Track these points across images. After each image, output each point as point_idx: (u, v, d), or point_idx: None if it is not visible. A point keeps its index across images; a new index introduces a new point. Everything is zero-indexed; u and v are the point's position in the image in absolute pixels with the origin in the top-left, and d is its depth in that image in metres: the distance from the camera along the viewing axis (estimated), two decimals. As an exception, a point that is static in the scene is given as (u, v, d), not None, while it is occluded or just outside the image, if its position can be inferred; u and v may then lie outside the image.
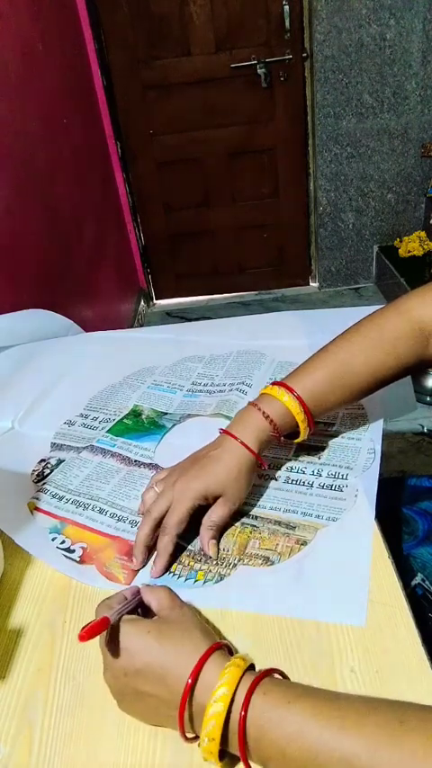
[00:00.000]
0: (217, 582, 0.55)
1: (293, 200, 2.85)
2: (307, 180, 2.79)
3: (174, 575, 0.56)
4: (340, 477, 0.64)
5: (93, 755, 0.44)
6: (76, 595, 0.56)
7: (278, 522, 0.60)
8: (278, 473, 0.66)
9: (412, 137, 2.59)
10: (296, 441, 0.65)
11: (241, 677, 0.41)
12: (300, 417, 0.62)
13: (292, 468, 0.67)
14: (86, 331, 1.11)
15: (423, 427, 1.94)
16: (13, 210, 1.43)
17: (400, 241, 2.72)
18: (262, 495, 0.64)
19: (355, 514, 0.59)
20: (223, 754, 0.41)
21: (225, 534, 0.60)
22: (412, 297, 0.65)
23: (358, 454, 0.67)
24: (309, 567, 0.55)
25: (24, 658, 0.51)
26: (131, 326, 2.69)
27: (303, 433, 0.64)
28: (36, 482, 0.70)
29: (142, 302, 2.98)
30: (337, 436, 0.70)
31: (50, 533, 0.62)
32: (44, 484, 0.69)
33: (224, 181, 2.80)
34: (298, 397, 0.61)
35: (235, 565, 0.56)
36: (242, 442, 0.60)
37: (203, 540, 0.58)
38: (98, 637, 0.45)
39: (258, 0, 2.38)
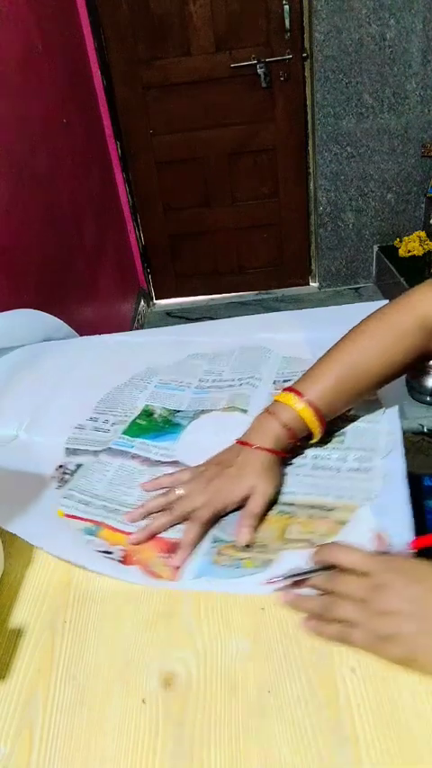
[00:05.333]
0: (264, 567, 0.55)
1: (293, 200, 2.85)
2: (307, 180, 2.79)
3: (220, 566, 0.56)
4: (366, 459, 0.65)
5: (93, 755, 0.44)
6: (76, 595, 0.56)
7: (314, 507, 0.61)
8: (304, 461, 0.67)
9: (412, 137, 2.59)
10: (311, 442, 0.67)
11: None
12: (314, 425, 0.64)
13: (317, 456, 0.68)
14: (86, 332, 1.10)
15: (423, 427, 1.94)
16: (13, 210, 1.43)
17: (400, 241, 2.72)
18: (293, 482, 0.65)
19: (387, 495, 0.60)
20: None
21: (263, 522, 0.60)
22: (417, 292, 0.66)
23: (378, 437, 0.68)
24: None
25: (24, 658, 0.51)
26: (131, 326, 2.69)
27: (317, 436, 0.66)
28: (58, 488, 0.68)
29: (142, 302, 2.98)
30: (355, 420, 0.71)
31: (86, 534, 0.61)
32: (69, 490, 0.68)
33: (224, 181, 2.79)
34: (311, 404, 0.63)
35: (278, 550, 0.57)
36: (265, 449, 0.62)
37: (238, 527, 0.59)
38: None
39: (258, 0, 2.39)
